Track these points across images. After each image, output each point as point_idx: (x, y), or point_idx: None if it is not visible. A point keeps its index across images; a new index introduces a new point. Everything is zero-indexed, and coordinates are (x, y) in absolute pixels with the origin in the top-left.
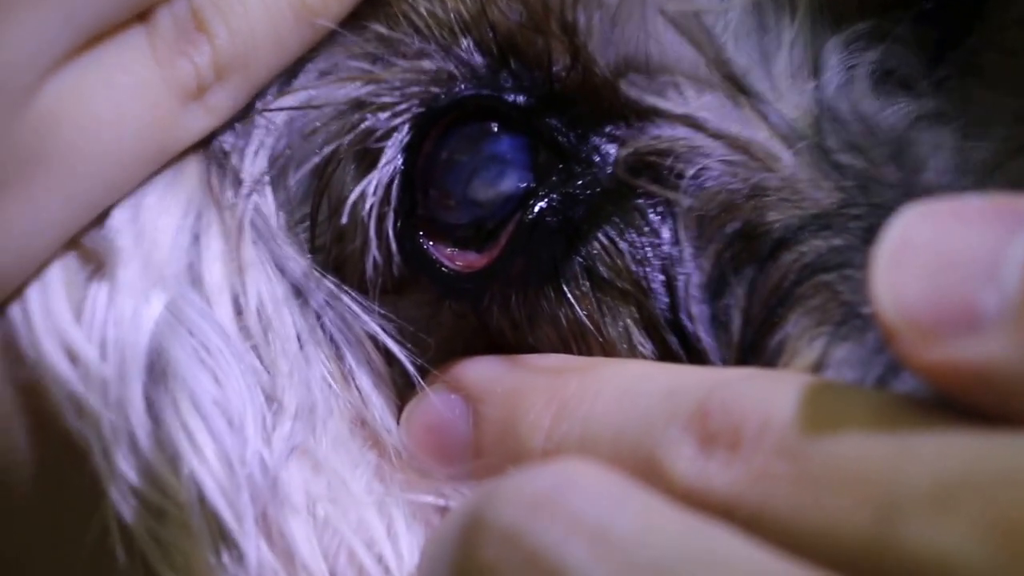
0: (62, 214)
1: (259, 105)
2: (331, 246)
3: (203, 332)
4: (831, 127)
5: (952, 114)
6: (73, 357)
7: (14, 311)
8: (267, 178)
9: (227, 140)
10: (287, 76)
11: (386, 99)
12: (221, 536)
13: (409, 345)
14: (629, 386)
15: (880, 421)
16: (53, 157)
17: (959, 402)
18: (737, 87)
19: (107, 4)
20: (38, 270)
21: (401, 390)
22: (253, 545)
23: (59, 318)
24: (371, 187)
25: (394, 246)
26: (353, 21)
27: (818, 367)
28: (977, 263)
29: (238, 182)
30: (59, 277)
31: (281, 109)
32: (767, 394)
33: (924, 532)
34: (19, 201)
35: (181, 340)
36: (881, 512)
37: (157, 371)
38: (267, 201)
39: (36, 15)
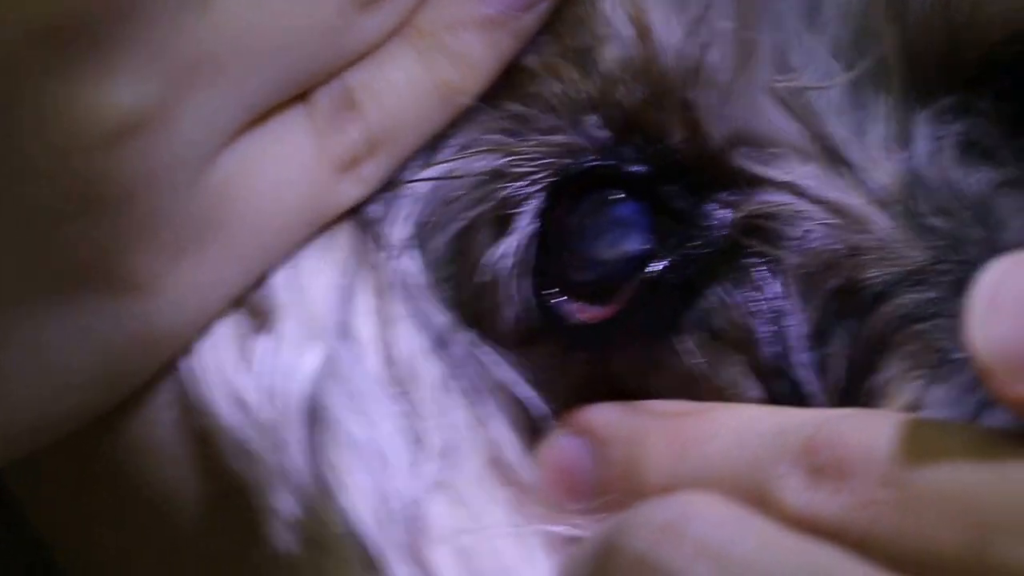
0: (231, 276)
1: (405, 176)
2: (470, 303)
3: (356, 380)
4: (921, 193)
5: None
6: (240, 404)
7: (186, 364)
8: (413, 242)
9: (375, 209)
10: (429, 150)
11: (522, 169)
12: (372, 564)
13: (541, 392)
14: (742, 427)
15: (975, 451)
16: (225, 225)
17: None
18: (836, 158)
19: (274, 85)
20: (208, 327)
21: (532, 435)
22: (402, 573)
23: (227, 369)
24: (510, 248)
25: (529, 302)
26: (488, 100)
27: (915, 407)
28: None
29: (386, 247)
30: (227, 332)
31: (425, 179)
32: (869, 429)
33: (1015, 552)
34: (194, 265)
35: (336, 388)
36: (978, 533)
37: (314, 416)
38: (413, 263)
39: (212, 94)
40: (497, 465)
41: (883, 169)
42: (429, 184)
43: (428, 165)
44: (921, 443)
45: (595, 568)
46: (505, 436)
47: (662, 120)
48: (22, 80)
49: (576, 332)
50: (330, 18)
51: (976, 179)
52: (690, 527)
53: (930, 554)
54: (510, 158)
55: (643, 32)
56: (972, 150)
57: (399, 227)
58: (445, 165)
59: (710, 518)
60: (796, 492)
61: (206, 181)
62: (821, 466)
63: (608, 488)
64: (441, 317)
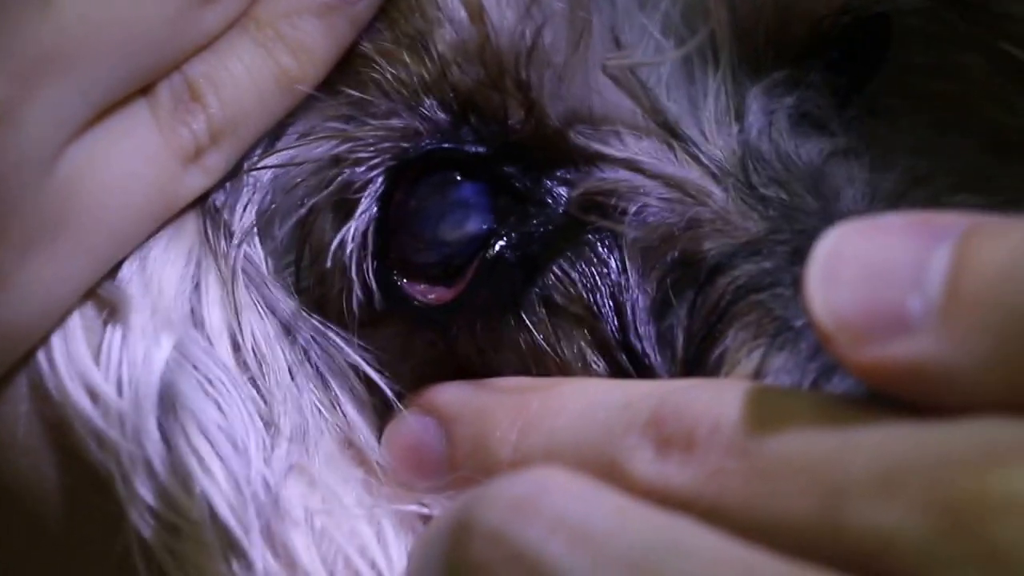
0: (81, 269)
1: (246, 165)
2: (314, 288)
3: (207, 368)
4: (755, 165)
5: (860, 150)
6: (93, 395)
7: (39, 356)
8: (256, 230)
9: (219, 197)
10: (270, 138)
11: (361, 155)
12: (231, 548)
13: (386, 373)
14: (588, 401)
15: (821, 418)
16: (73, 219)
17: (893, 398)
18: (671, 133)
19: (116, 80)
20: (60, 319)
21: (380, 414)
22: (260, 555)
23: (80, 361)
24: (350, 234)
25: (373, 285)
26: (327, 87)
27: (757, 375)
28: (902, 272)
29: (230, 234)
30: (78, 324)
31: (266, 167)
32: (715, 399)
33: (868, 515)
34: (43, 260)
35: (188, 376)
36: (827, 499)
37: (168, 404)
38: (256, 250)
39: (56, 91)
40: (348, 447)
41: (717, 143)
42: (270, 172)
43: (268, 153)
44: (767, 411)
45: (449, 545)
46: (354, 418)
47: (499, 101)
48: None
49: (421, 312)
50: (172, 11)
51: (808, 150)
52: (544, 501)
53: (782, 521)
54: (349, 144)
55: (476, 14)
56: (803, 122)
57: (241, 215)
58: (285, 152)
59: (564, 492)
60: (645, 463)
61: (53, 176)
62: (669, 437)
63: (457, 466)
64: (287, 303)
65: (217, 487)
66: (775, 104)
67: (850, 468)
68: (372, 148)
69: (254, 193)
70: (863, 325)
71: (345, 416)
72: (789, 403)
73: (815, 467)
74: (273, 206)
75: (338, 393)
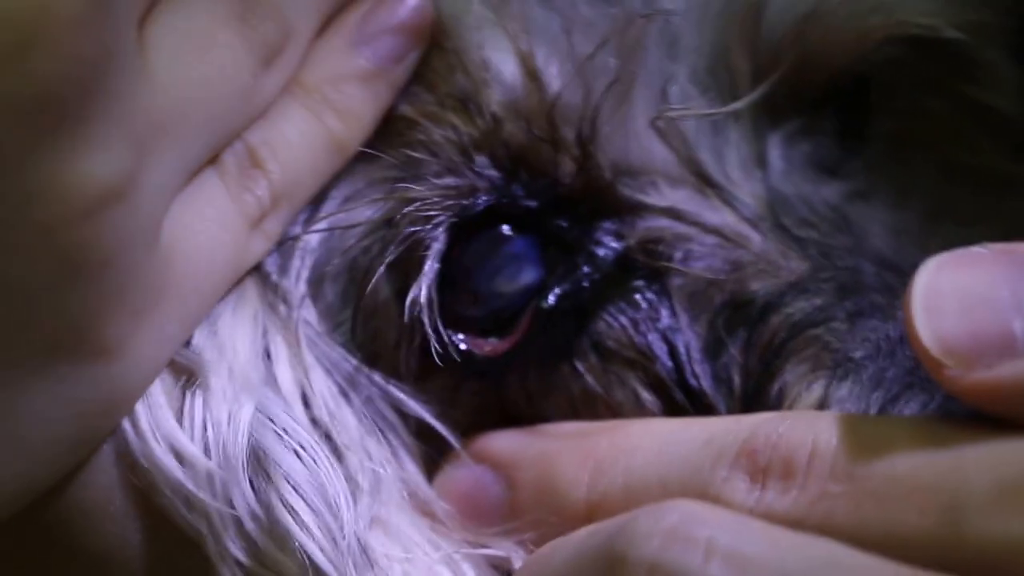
0: (176, 335)
1: (295, 231)
2: (367, 344)
3: (289, 427)
4: (783, 208)
5: (873, 191)
6: (181, 459)
7: (125, 424)
8: (309, 292)
9: (270, 263)
10: (313, 203)
11: (422, 214)
12: None
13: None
14: (661, 439)
15: (923, 439)
16: (172, 285)
17: (1001, 417)
18: (705, 181)
19: (203, 147)
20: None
21: (428, 465)
22: None
23: (165, 426)
24: (419, 292)
25: (432, 340)
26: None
27: (821, 406)
28: (1002, 299)
29: (286, 299)
30: (159, 390)
31: (318, 231)
32: (809, 428)
33: (993, 526)
34: (151, 326)
35: (273, 435)
36: (947, 514)
37: (257, 463)
38: (311, 312)
39: (163, 159)
40: (411, 497)
41: (745, 189)
42: (318, 236)
43: (313, 219)
44: (866, 436)
45: None
46: (413, 469)
47: (550, 156)
48: (4, 160)
49: (475, 365)
50: (248, 78)
51: (827, 193)
52: (696, 530)
53: (900, 539)
54: (407, 204)
55: (530, 73)
56: (819, 167)
57: (296, 279)
58: (336, 216)
59: (711, 520)
60: (744, 493)
61: (158, 244)
62: (764, 467)
63: (520, 511)
64: (348, 360)
65: (315, 542)
66: (793, 151)
67: (967, 483)
68: (434, 207)
69: (306, 257)
70: (971, 350)
71: (406, 468)
72: (886, 428)
73: (929, 485)
74: (325, 269)
75: (397, 446)
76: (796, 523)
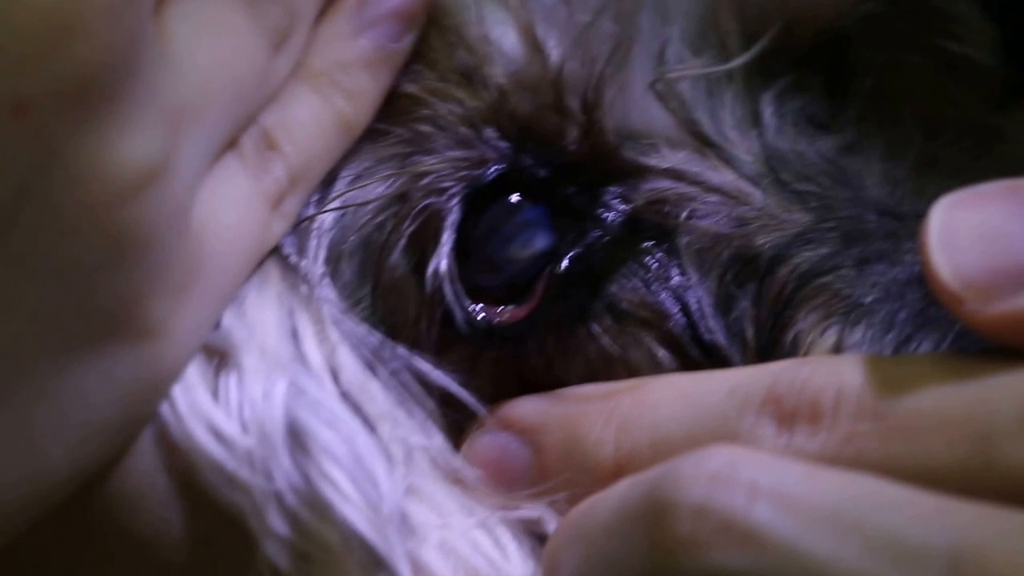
0: (211, 315)
1: (309, 212)
2: (387, 319)
3: (323, 402)
4: (780, 164)
5: (865, 144)
6: (219, 437)
7: (162, 408)
8: (327, 271)
9: (287, 243)
10: (325, 184)
11: (436, 186)
12: (379, 569)
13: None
14: (687, 393)
15: (947, 374)
16: (204, 265)
17: (1021, 348)
18: (703, 142)
19: (229, 128)
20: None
21: (452, 436)
22: (409, 572)
23: (203, 407)
24: (439, 264)
25: (455, 310)
26: (373, 129)
27: (836, 352)
28: (1015, 232)
29: (307, 278)
30: (194, 372)
31: (333, 210)
32: (832, 372)
33: (1022, 453)
34: (187, 307)
35: (308, 410)
36: (977, 444)
37: (296, 438)
38: (330, 291)
39: (194, 140)
40: (440, 466)
41: (742, 147)
42: (332, 215)
43: (325, 198)
44: (889, 376)
45: (651, 526)
46: (440, 439)
47: (557, 124)
48: (51, 143)
49: (494, 333)
50: (261, 61)
51: (820, 147)
52: (740, 472)
53: (932, 470)
54: (422, 178)
55: (533, 45)
56: (811, 122)
57: (314, 259)
58: (348, 195)
59: (752, 463)
60: (773, 438)
61: (191, 224)
62: (791, 412)
63: (548, 473)
64: (372, 335)
65: (358, 511)
66: (785, 108)
67: (995, 412)
68: (447, 178)
69: (321, 237)
70: (990, 283)
71: (433, 438)
72: (909, 365)
73: (957, 418)
74: (340, 247)
75: (424, 416)
76: (827, 464)
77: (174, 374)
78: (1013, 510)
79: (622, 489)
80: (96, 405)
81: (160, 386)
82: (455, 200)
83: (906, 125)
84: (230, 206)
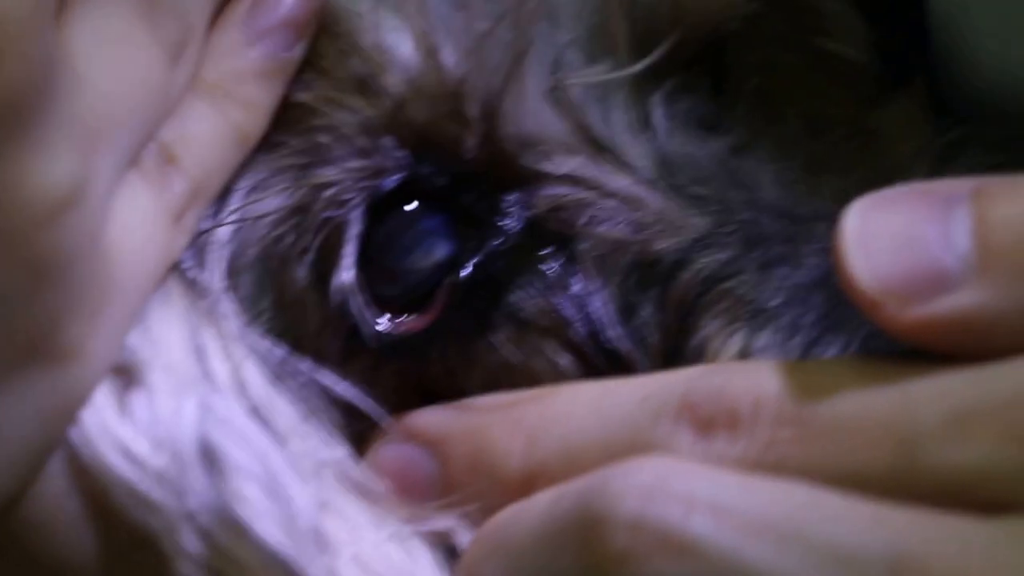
0: (121, 335)
1: (204, 225)
2: (287, 332)
3: (232, 419)
4: (673, 168)
5: (754, 144)
6: (130, 457)
7: (72, 431)
8: (225, 286)
9: (187, 258)
10: (221, 196)
11: (337, 198)
12: None
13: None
14: (597, 402)
15: (866, 378)
16: (117, 284)
17: (940, 351)
18: (597, 147)
19: (132, 146)
20: None
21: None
22: None
23: (112, 427)
24: (342, 275)
25: (355, 322)
26: (266, 140)
27: (743, 357)
28: (930, 236)
29: (207, 293)
30: (102, 392)
31: (230, 224)
32: (748, 377)
33: (948, 454)
34: (105, 326)
35: (218, 427)
36: (901, 448)
37: (208, 457)
38: (229, 306)
39: (104, 161)
40: (348, 479)
41: (635, 152)
42: (228, 229)
43: (221, 211)
44: (808, 380)
45: (583, 542)
46: (345, 452)
47: (455, 132)
48: None
49: (394, 344)
50: (162, 75)
51: (711, 149)
52: (673, 483)
53: (856, 475)
54: (322, 190)
55: (428, 53)
56: (700, 124)
57: (213, 274)
58: (246, 208)
59: (687, 473)
60: (691, 446)
61: (103, 245)
62: (708, 419)
63: (454, 485)
64: (274, 350)
65: (275, 529)
66: (674, 110)
67: (918, 415)
68: (348, 189)
69: (219, 250)
70: (907, 288)
71: (339, 451)
72: (826, 370)
73: (880, 421)
74: (237, 262)
75: (329, 429)
76: (749, 471)
77: (89, 395)
78: (947, 514)
79: (546, 502)
80: (17, 431)
81: (76, 408)
82: (357, 212)
83: (791, 124)
84: (137, 224)
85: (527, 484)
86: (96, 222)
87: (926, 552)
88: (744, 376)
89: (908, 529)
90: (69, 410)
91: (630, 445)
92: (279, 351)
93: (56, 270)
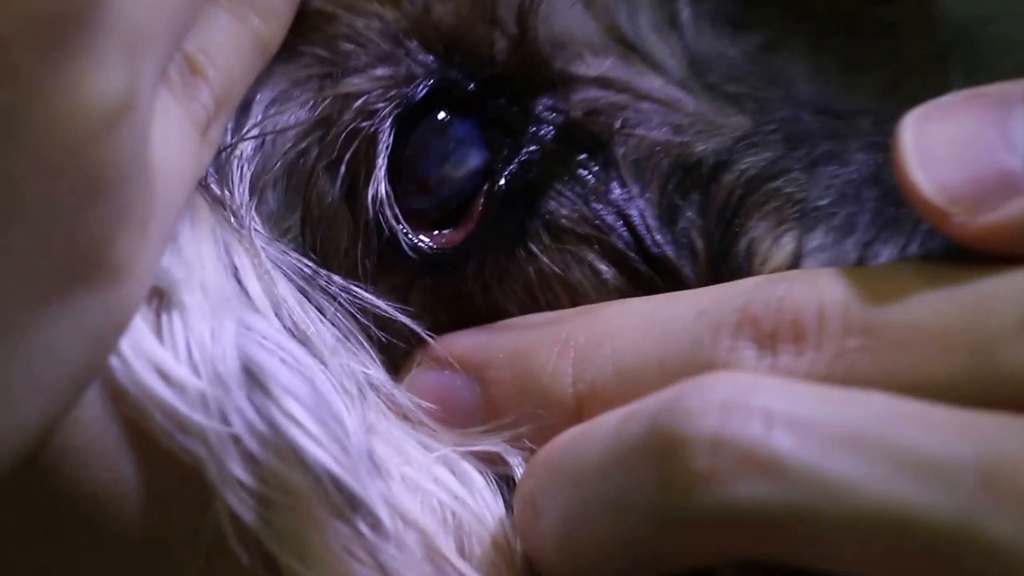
0: (161, 253)
1: (229, 140)
2: (316, 249)
3: (274, 339)
4: (705, 67)
5: (783, 42)
6: (169, 380)
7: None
8: (251, 202)
9: (209, 174)
10: (241, 109)
11: (366, 108)
12: (354, 510)
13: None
14: (649, 317)
15: (934, 281)
16: (158, 198)
17: (1010, 256)
18: (628, 48)
19: (167, 56)
20: None
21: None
22: (385, 511)
23: (149, 350)
24: (378, 189)
25: (388, 237)
26: (286, 50)
27: (795, 258)
28: (991, 141)
29: (233, 210)
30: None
31: (249, 138)
32: (810, 286)
33: None
34: (149, 243)
35: (260, 348)
36: (976, 352)
37: (252, 378)
38: (257, 222)
39: (147, 69)
40: (388, 401)
41: (665, 52)
42: (251, 143)
43: (241, 125)
44: (872, 287)
45: (662, 462)
46: (384, 374)
47: (484, 35)
48: (26, 80)
49: (430, 259)
50: None
51: (740, 46)
52: (751, 399)
53: (931, 383)
54: (350, 100)
55: None
56: (728, 21)
57: (238, 191)
58: (269, 121)
59: (763, 388)
60: (755, 361)
61: (148, 157)
62: (771, 333)
63: (500, 411)
64: (307, 265)
65: (328, 452)
66: (700, 8)
67: (991, 318)
68: (378, 99)
69: (242, 165)
70: (975, 195)
71: (377, 372)
72: (892, 275)
73: (952, 327)
74: (264, 176)
75: (368, 349)
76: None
77: (132, 318)
78: None
79: (613, 424)
80: (61, 356)
81: (121, 331)
82: (387, 122)
83: (822, 20)
84: (172, 137)
85: (581, 406)
86: (145, 133)
87: (1017, 456)
88: (805, 284)
89: (996, 434)
90: (117, 331)
91: (689, 363)
92: (309, 267)
93: (111, 182)
